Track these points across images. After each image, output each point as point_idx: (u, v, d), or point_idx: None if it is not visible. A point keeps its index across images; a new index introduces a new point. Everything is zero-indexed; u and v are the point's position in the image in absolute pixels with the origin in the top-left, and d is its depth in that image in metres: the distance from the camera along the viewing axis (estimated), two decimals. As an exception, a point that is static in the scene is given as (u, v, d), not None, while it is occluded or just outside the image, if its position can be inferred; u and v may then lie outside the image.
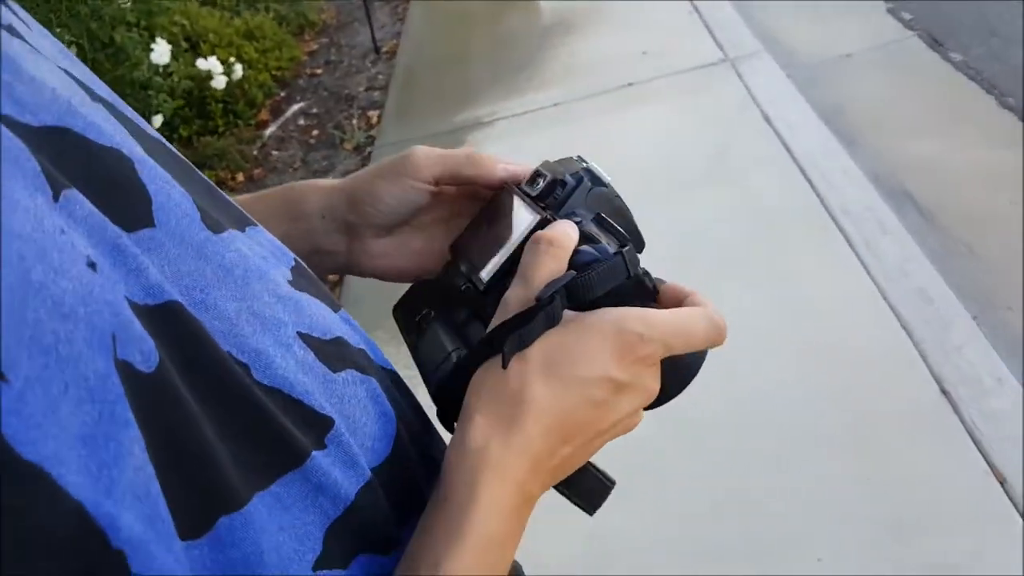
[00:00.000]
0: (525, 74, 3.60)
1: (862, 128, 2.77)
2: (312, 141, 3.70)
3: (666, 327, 0.39)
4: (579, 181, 0.46)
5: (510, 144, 3.11)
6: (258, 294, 0.34)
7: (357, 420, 0.36)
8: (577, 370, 0.37)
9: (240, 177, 3.49)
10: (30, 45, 0.31)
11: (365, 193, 0.49)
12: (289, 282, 0.37)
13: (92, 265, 0.24)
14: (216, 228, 0.34)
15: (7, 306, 0.20)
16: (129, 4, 2.97)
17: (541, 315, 0.38)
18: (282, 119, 3.92)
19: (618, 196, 0.47)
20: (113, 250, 0.26)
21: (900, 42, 3.22)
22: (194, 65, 3.25)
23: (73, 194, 0.26)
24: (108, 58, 2.98)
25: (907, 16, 3.36)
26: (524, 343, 0.37)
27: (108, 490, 0.22)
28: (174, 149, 0.38)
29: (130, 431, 0.23)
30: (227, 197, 0.40)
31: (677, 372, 0.43)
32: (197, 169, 0.39)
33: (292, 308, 0.35)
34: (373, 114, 3.76)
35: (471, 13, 4.54)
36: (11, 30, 0.30)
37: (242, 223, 0.38)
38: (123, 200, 0.29)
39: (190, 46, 3.67)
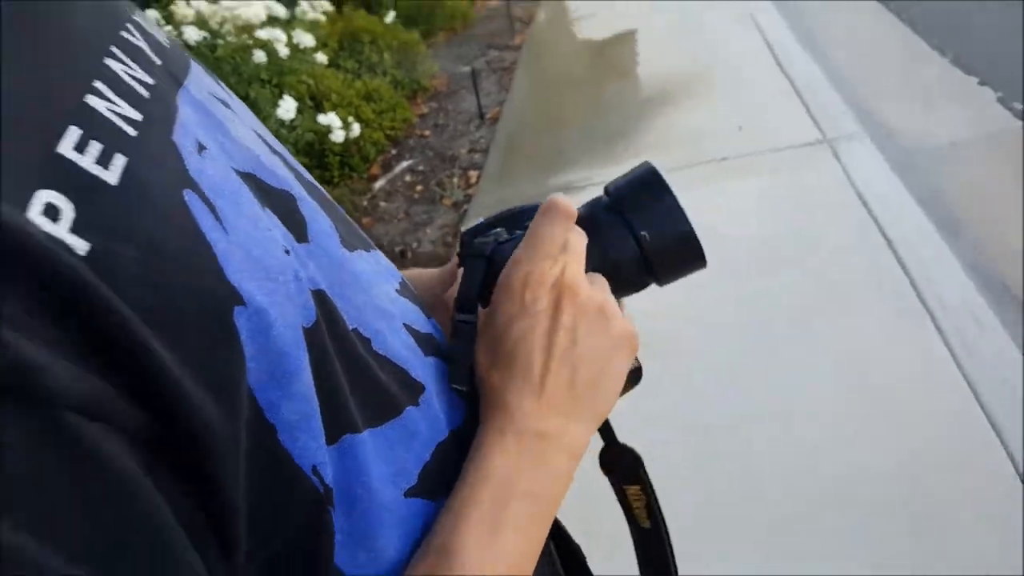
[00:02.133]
0: (621, 143, 3.72)
1: (962, 217, 2.73)
2: (416, 196, 3.91)
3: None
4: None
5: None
6: (377, 295, 0.45)
7: (441, 393, 0.46)
8: (507, 290, 0.47)
9: (346, 225, 3.73)
10: (232, 111, 0.43)
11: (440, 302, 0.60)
12: (397, 291, 0.49)
13: (287, 251, 0.36)
14: (349, 247, 0.45)
15: (246, 270, 0.32)
16: (264, 63, 3.28)
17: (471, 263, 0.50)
18: (391, 174, 4.17)
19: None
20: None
21: (1008, 132, 3.17)
22: (316, 120, 3.53)
23: (268, 212, 0.38)
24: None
25: (1018, 107, 3.31)
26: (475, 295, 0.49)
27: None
28: (321, 188, 0.49)
29: (305, 364, 0.34)
30: (356, 225, 0.51)
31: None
32: (336, 204, 0.50)
33: (400, 307, 0.47)
34: (473, 174, 3.95)
35: (572, 82, 4.74)
36: (224, 103, 0.43)
37: (367, 246, 0.50)
38: (290, 223, 0.40)
39: (314, 104, 3.98)
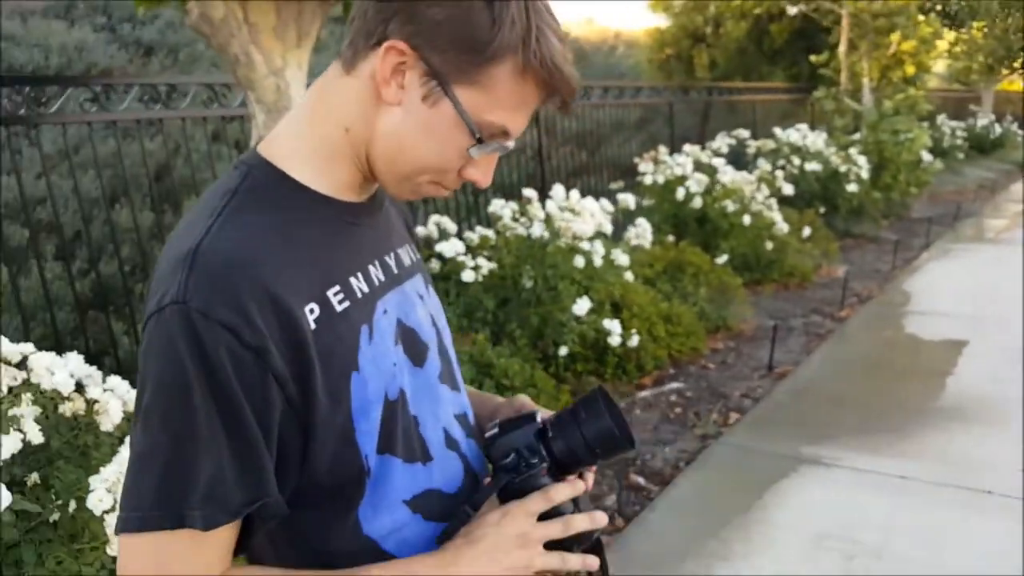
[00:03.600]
0: (887, 439, 3.62)
1: None
2: (671, 416, 4.18)
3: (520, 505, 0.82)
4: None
5: (831, 496, 3.18)
6: (442, 409, 0.88)
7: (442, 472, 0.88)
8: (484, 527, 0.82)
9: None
10: (423, 302, 0.91)
11: None
12: (455, 415, 0.92)
13: (394, 364, 0.82)
14: (443, 381, 0.89)
15: (369, 361, 0.79)
16: (581, 266, 3.94)
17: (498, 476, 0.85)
18: (659, 389, 4.51)
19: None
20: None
21: None
22: (598, 322, 4.07)
23: (400, 347, 0.84)
24: (548, 294, 3.95)
25: None
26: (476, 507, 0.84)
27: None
28: (449, 353, 0.94)
29: (378, 412, 0.79)
30: (457, 375, 0.94)
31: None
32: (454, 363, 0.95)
33: (446, 420, 0.90)
34: (734, 416, 4.11)
35: (873, 366, 4.69)
36: (421, 297, 0.91)
37: (456, 387, 0.93)
38: (412, 355, 0.85)
39: (613, 309, 4.55)
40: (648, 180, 6.41)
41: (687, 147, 6.91)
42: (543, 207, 4.25)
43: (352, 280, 0.79)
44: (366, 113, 0.76)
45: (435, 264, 4.32)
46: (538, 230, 4.07)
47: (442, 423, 0.87)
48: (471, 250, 4.19)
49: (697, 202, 6.12)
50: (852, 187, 8.28)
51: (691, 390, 4.51)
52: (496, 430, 0.87)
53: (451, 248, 3.97)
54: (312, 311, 0.73)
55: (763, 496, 3.19)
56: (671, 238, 6.23)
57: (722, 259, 5.92)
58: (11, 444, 1.53)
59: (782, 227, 6.55)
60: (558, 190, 4.22)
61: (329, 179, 0.79)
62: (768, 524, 2.98)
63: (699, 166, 6.61)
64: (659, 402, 4.37)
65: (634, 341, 4.18)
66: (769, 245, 6.44)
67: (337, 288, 0.77)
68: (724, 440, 3.82)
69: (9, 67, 6.16)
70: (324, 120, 0.78)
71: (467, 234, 4.45)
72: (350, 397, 0.75)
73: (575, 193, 4.21)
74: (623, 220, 6.84)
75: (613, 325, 3.98)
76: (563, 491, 0.83)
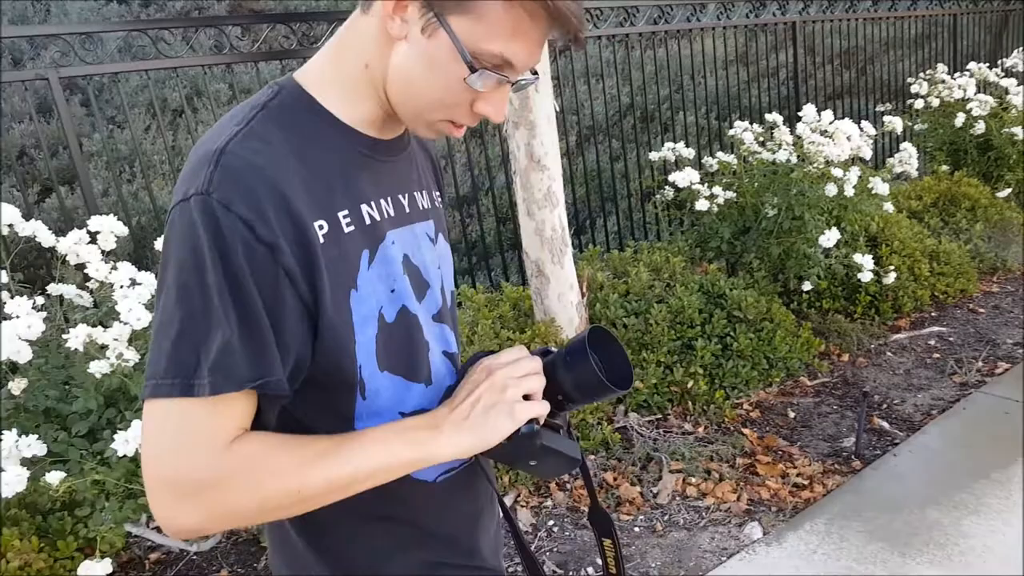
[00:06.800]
0: None
1: None
2: (927, 361, 3.83)
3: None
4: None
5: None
6: (428, 335, 0.90)
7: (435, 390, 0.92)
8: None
9: (846, 357, 3.88)
10: (432, 244, 0.94)
11: None
12: (445, 350, 0.96)
13: (392, 291, 0.85)
14: (436, 319, 0.92)
15: (368, 281, 0.83)
16: (832, 195, 3.69)
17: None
18: (917, 332, 4.14)
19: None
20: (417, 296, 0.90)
21: None
22: (850, 257, 3.79)
23: (405, 277, 0.88)
24: (793, 224, 3.75)
25: None
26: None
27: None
28: (450, 296, 0.98)
29: (374, 329, 0.83)
30: (451, 313, 0.98)
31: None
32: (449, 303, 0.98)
33: (437, 344, 0.93)
34: (1002, 366, 3.68)
35: None
36: (431, 239, 0.95)
37: (451, 323, 0.97)
38: (416, 288, 0.88)
39: (869, 242, 4.20)
40: (920, 104, 5.74)
41: (972, 65, 6.05)
42: (792, 131, 4.00)
43: (362, 207, 0.83)
44: (381, 50, 0.80)
45: (668, 192, 4.27)
46: (784, 155, 3.85)
47: (434, 356, 0.91)
48: (708, 177, 4.07)
49: (980, 127, 5.38)
50: None
51: (954, 335, 4.09)
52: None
53: (684, 178, 3.89)
54: (322, 227, 0.77)
55: (1031, 453, 2.86)
56: (944, 168, 5.57)
57: (1004, 192, 5.20)
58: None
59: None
60: (809, 110, 3.93)
61: (352, 111, 0.83)
62: (1034, 484, 2.69)
63: (985, 87, 5.78)
64: (915, 346, 4.02)
65: (890, 278, 3.85)
66: (1068, 178, 5.53)
67: (346, 212, 0.81)
68: (987, 390, 3.45)
69: (285, 8, 6.91)
70: (348, 56, 0.83)
71: (705, 159, 4.33)
72: (350, 311, 0.80)
73: (828, 114, 3.89)
74: (887, 147, 6.22)
75: (865, 260, 3.69)
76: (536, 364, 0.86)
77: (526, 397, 0.83)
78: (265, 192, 0.73)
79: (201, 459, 0.72)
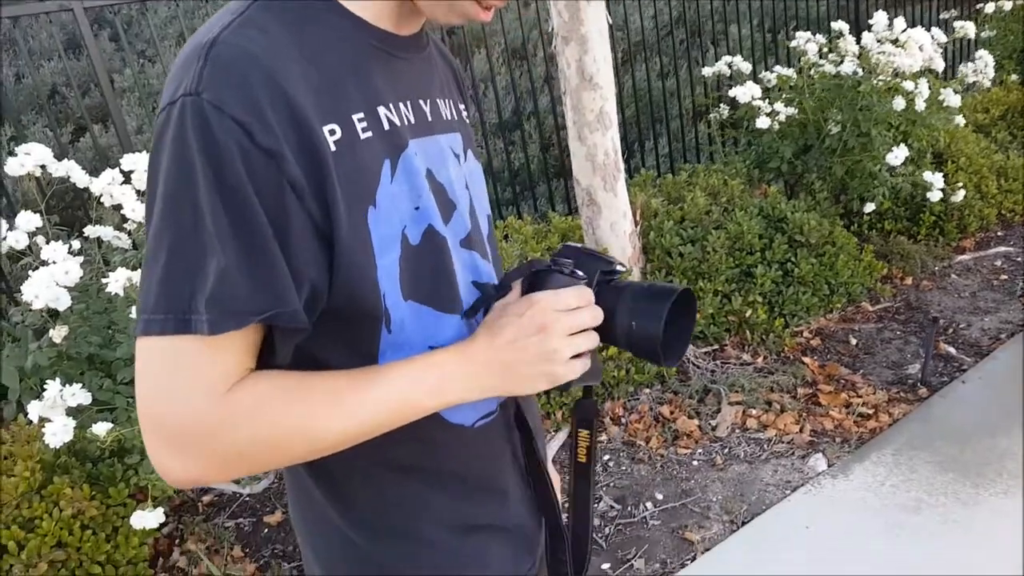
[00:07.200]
0: None
1: None
2: (994, 283, 3.69)
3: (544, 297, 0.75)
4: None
5: None
6: (466, 259, 0.81)
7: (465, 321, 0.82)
8: (507, 314, 0.75)
9: (909, 280, 3.75)
10: (458, 161, 0.82)
11: None
12: (476, 271, 0.84)
13: (416, 208, 0.73)
14: (466, 246, 0.81)
15: (387, 195, 0.71)
16: (900, 110, 3.48)
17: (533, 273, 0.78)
18: (983, 253, 3.97)
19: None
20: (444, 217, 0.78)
21: None
22: (918, 175, 3.60)
23: (429, 193, 0.76)
24: (858, 141, 3.57)
25: None
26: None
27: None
28: (485, 217, 0.88)
29: (397, 249, 0.72)
30: (486, 236, 0.87)
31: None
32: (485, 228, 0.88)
33: (468, 272, 0.82)
34: (1077, 288, 3.53)
35: None
36: (456, 156, 0.82)
37: (484, 252, 0.85)
38: (442, 207, 0.76)
39: (935, 159, 4.00)
40: (991, 8, 5.36)
41: (1049, -38, 5.62)
42: (857, 41, 3.75)
43: (380, 110, 0.72)
44: None
45: (724, 110, 4.07)
46: (849, 67, 3.63)
47: (462, 286, 0.80)
48: (765, 93, 3.85)
49: (1056, 31, 5.03)
50: None
51: (1022, 255, 3.92)
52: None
53: (745, 93, 3.68)
54: (333, 132, 0.66)
55: (1111, 381, 2.75)
56: (1014, 77, 5.24)
57: (1082, 102, 4.89)
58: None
59: None
60: (879, 17, 3.67)
61: (366, 2, 0.74)
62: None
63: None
64: (981, 267, 3.86)
65: (959, 197, 3.67)
66: None
67: (362, 115, 0.69)
68: (1059, 313, 3.31)
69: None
70: None
71: (764, 74, 4.11)
72: (368, 231, 0.69)
73: (900, 21, 3.63)
74: (956, 56, 5.88)
75: (935, 178, 3.50)
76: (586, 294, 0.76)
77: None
78: (262, 87, 0.62)
79: (200, 405, 0.63)
